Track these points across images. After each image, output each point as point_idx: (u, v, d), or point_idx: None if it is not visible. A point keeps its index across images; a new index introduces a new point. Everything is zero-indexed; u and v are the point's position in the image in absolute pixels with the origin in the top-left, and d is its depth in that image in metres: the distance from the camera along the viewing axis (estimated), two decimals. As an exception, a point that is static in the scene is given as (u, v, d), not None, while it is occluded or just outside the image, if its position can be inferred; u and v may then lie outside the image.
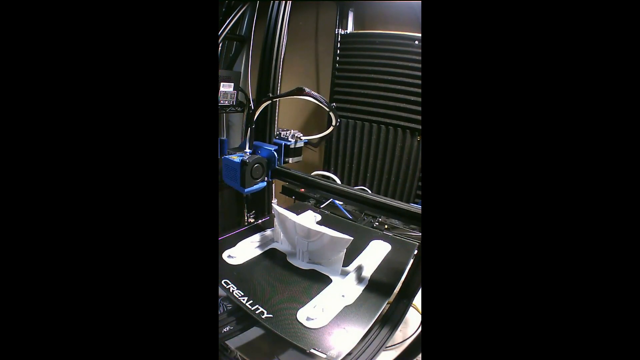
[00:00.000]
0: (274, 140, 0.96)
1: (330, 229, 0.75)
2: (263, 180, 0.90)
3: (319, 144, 1.11)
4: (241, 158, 0.84)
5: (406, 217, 0.70)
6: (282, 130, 0.95)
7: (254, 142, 0.93)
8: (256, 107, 0.90)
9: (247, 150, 0.89)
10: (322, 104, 0.81)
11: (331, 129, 0.96)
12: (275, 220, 0.85)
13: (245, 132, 0.93)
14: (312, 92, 0.77)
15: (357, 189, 0.81)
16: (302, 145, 0.96)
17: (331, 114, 0.90)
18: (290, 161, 0.94)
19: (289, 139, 0.93)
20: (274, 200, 0.92)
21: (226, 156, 0.87)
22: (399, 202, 0.73)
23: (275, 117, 1.08)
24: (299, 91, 0.78)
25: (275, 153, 0.89)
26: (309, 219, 0.84)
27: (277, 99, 1.06)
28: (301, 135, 0.95)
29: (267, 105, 1.02)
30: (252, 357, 0.59)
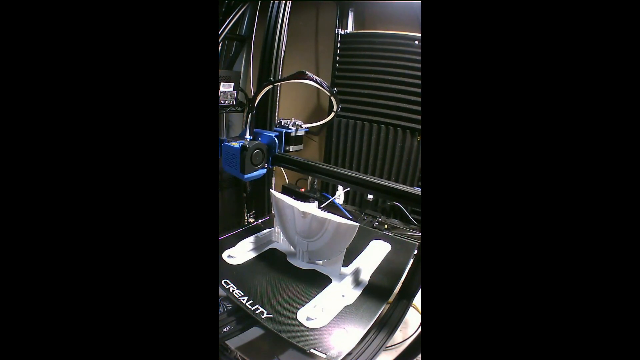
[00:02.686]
0: (275, 128, 0.94)
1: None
2: (263, 167, 0.88)
3: (320, 132, 1.09)
4: (241, 144, 0.83)
5: (407, 199, 0.69)
6: (283, 119, 0.94)
7: (255, 130, 0.91)
8: (257, 92, 0.88)
9: (248, 136, 0.87)
10: (324, 88, 0.80)
11: (332, 115, 0.94)
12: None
13: (246, 118, 0.91)
14: (314, 76, 0.77)
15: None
16: (303, 133, 0.95)
17: (332, 98, 0.89)
18: (291, 149, 0.92)
19: (290, 127, 0.92)
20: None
21: (226, 143, 0.86)
22: (400, 184, 0.72)
23: (276, 106, 1.07)
24: (301, 75, 0.77)
25: (276, 139, 0.88)
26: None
27: (279, 84, 1.05)
28: (302, 123, 0.94)
29: (268, 93, 1.00)
30: (252, 357, 0.59)
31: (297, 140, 0.93)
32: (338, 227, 0.70)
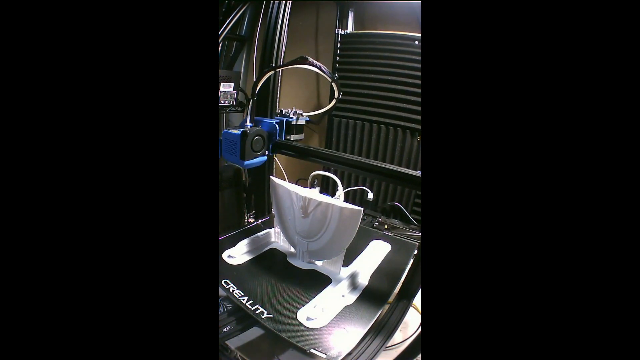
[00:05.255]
0: (275, 118, 0.93)
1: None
2: (264, 155, 0.87)
3: (320, 121, 1.08)
4: (241, 130, 0.82)
5: (406, 181, 0.69)
6: (284, 110, 0.93)
7: (255, 118, 0.90)
8: (259, 78, 0.87)
9: (248, 123, 0.86)
10: (325, 74, 0.80)
11: (334, 102, 0.94)
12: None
13: (247, 105, 0.89)
14: (315, 61, 0.76)
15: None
16: (304, 122, 0.94)
17: (334, 84, 0.88)
18: (291, 138, 0.91)
19: (291, 116, 0.91)
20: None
21: (226, 130, 0.85)
22: (400, 167, 0.71)
23: (277, 95, 1.06)
24: (302, 60, 0.76)
25: (277, 126, 0.87)
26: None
27: (280, 71, 1.04)
28: (302, 112, 0.93)
29: (269, 82, 0.99)
30: (252, 357, 0.59)
31: (298, 129, 0.93)
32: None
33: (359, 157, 0.76)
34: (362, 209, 0.67)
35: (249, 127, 0.84)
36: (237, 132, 0.82)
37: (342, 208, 0.68)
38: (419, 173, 0.65)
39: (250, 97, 0.86)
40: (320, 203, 0.71)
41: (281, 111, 0.93)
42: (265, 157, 0.88)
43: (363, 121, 1.24)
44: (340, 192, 1.18)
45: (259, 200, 1.18)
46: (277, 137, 0.87)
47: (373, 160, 0.74)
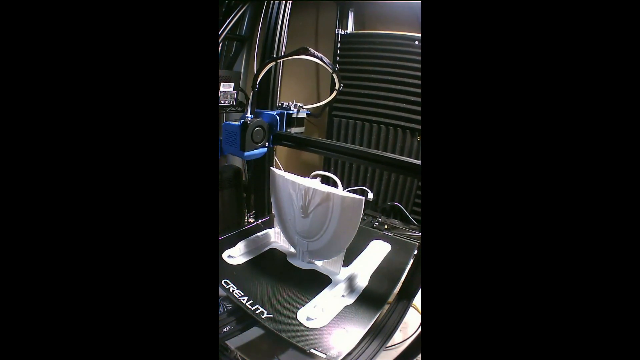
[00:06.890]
0: (276, 110, 0.93)
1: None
2: (264, 146, 0.86)
3: (321, 113, 1.08)
4: (242, 121, 0.81)
5: (406, 169, 0.70)
6: (284, 103, 0.93)
7: (256, 110, 0.89)
8: (260, 70, 0.86)
9: (249, 115, 0.86)
10: (326, 64, 0.80)
11: (334, 94, 0.93)
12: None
13: (247, 102, 0.88)
14: (315, 52, 0.76)
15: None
16: (305, 115, 0.93)
17: (334, 76, 0.87)
18: (292, 131, 0.91)
19: (291, 108, 0.90)
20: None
21: (226, 122, 0.85)
22: (399, 156, 0.72)
23: (277, 90, 1.06)
24: (304, 50, 0.76)
25: (277, 117, 0.86)
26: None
27: (281, 61, 1.03)
28: (303, 105, 0.93)
29: (270, 75, 0.99)
30: (252, 357, 0.59)
31: (299, 122, 0.92)
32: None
33: (360, 147, 0.76)
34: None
35: (249, 118, 0.84)
36: (237, 123, 0.82)
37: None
38: (419, 161, 0.65)
39: (251, 89, 0.86)
40: (320, 202, 0.71)
41: (282, 104, 0.93)
42: (266, 149, 0.87)
43: (363, 121, 1.24)
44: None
45: (259, 200, 1.18)
46: (278, 129, 0.87)
47: (373, 150, 0.74)
